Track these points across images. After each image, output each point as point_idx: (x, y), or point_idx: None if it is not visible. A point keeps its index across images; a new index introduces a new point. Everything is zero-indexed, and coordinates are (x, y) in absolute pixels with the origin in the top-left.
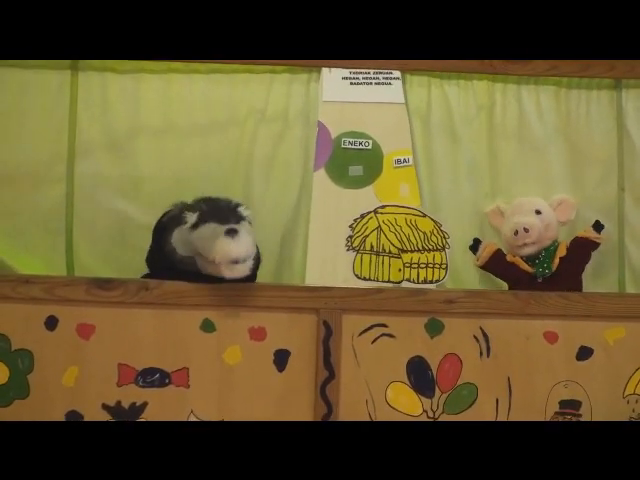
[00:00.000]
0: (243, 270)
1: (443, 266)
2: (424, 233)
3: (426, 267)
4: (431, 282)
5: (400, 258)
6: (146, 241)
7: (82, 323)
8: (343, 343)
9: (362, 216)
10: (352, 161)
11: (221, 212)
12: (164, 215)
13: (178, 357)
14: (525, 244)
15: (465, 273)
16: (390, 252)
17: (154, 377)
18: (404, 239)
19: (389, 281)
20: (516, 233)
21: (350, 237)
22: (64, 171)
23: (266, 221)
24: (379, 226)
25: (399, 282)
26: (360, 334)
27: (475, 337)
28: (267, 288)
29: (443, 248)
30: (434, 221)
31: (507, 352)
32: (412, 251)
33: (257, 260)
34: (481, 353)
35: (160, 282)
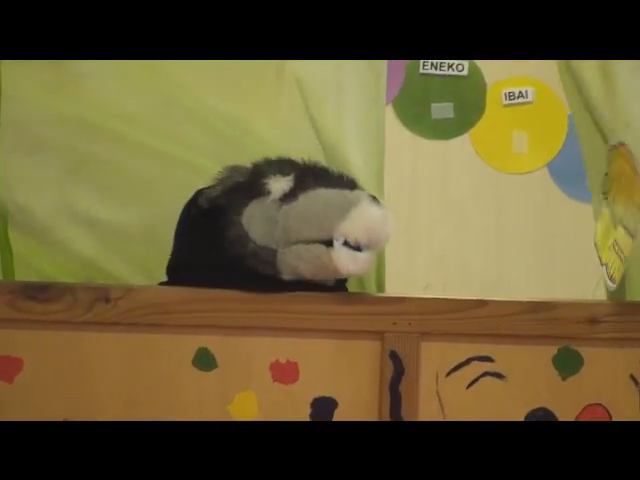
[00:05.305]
0: (364, 262)
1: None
2: None
3: None
4: None
5: None
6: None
7: (2, 356)
8: (422, 387)
9: None
10: (436, 95)
11: (332, 180)
12: (199, 192)
13: (158, 410)
14: None
15: None
16: None
17: None
18: None
19: None
20: None
21: None
22: None
23: None
24: None
25: None
26: (449, 373)
27: (633, 378)
28: (300, 299)
29: None
30: None
31: None
32: None
33: None
34: None
35: (128, 289)
